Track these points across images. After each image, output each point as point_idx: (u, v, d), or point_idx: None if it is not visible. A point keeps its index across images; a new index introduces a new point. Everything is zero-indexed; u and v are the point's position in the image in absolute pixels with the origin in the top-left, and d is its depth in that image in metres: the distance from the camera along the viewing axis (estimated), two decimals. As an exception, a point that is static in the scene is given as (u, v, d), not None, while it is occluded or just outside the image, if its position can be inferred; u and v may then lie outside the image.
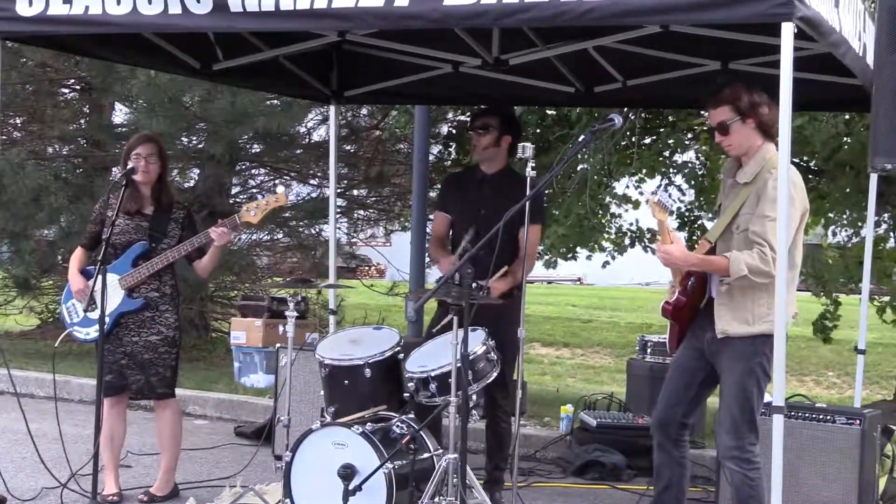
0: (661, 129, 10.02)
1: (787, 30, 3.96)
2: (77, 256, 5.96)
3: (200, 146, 11.53)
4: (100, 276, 5.41)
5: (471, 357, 4.98)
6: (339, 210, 10.20)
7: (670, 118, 9.82)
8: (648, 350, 8.04)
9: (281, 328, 6.06)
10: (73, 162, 12.48)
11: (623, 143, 9.87)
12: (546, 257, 10.72)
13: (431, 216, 7.55)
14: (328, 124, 10.10)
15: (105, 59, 7.52)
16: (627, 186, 10.88)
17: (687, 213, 10.50)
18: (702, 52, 6.14)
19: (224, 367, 10.51)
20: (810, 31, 4.18)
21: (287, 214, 11.95)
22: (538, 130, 9.71)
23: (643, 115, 9.66)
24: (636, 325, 17.01)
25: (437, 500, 4.88)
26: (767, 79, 4.56)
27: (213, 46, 6.34)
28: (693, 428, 5.41)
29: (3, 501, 5.54)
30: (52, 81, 12.47)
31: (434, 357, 5.30)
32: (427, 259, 8.72)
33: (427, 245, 8.21)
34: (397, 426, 5.17)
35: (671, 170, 10.38)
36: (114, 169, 11.21)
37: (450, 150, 11.34)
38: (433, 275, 8.31)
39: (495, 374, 5.35)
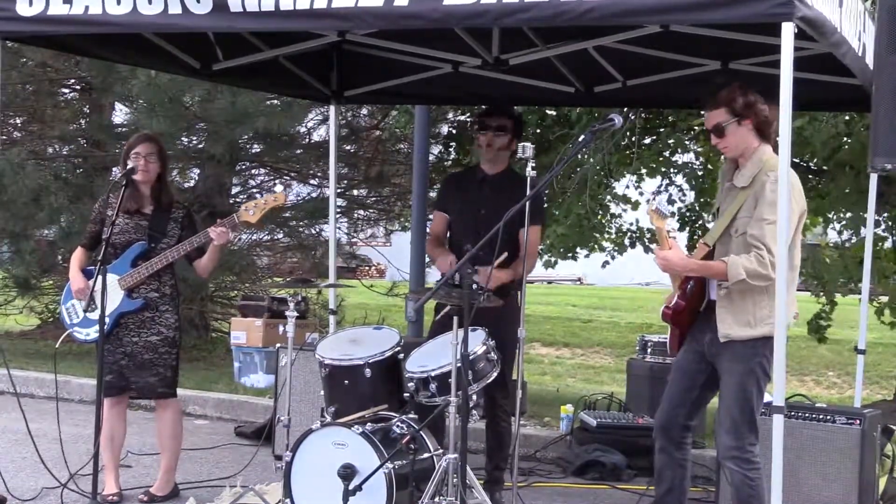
0: (661, 129, 10.03)
1: (788, 30, 3.96)
2: (77, 256, 5.96)
3: (200, 146, 11.53)
4: (100, 277, 5.41)
5: (471, 357, 4.98)
6: (339, 210, 10.20)
7: (670, 118, 9.82)
8: (648, 350, 8.04)
9: (281, 328, 6.06)
10: (73, 162, 12.48)
11: (623, 143, 9.87)
12: (546, 257, 10.72)
13: (431, 216, 7.55)
14: (328, 124, 10.10)
15: (105, 59, 7.52)
16: (627, 187, 10.89)
17: (688, 214, 10.50)
18: (702, 51, 6.14)
19: (224, 367, 10.51)
20: (811, 31, 4.17)
21: (287, 214, 11.95)
22: (538, 130, 9.72)
23: (643, 115, 9.66)
24: (636, 325, 17.01)
25: (437, 500, 4.88)
26: (767, 79, 4.56)
27: (213, 46, 6.34)
28: (694, 429, 5.41)
29: (4, 501, 5.54)
30: (53, 81, 12.48)
31: (434, 357, 5.30)
32: (427, 259, 8.73)
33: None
34: (397, 426, 5.17)
35: (672, 170, 10.38)
36: (114, 169, 11.21)
37: (450, 150, 11.35)
38: (433, 275, 8.31)
39: (495, 374, 5.35)
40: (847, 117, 8.06)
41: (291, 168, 12.91)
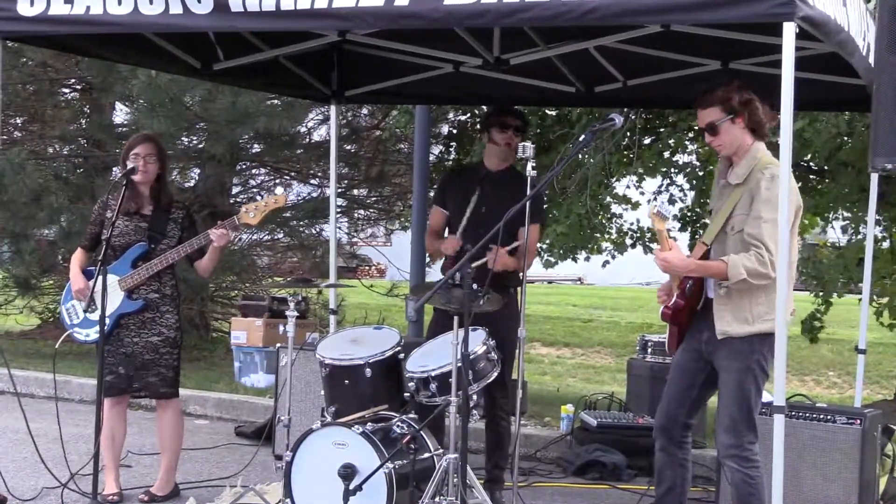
0: (662, 129, 10.02)
1: (789, 29, 3.96)
2: (77, 257, 5.96)
3: (201, 146, 11.53)
4: (100, 277, 5.41)
5: (471, 357, 4.99)
6: (339, 210, 10.21)
7: (671, 118, 9.82)
8: (649, 350, 8.04)
9: (281, 328, 6.04)
10: (73, 162, 12.49)
11: (623, 143, 9.87)
12: (546, 257, 10.71)
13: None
14: (329, 124, 10.10)
15: (106, 59, 7.52)
16: (628, 187, 10.89)
17: (689, 214, 10.49)
18: (703, 51, 6.14)
19: (224, 367, 10.51)
20: (813, 31, 4.17)
21: (287, 214, 11.95)
22: (538, 130, 9.71)
23: (643, 115, 9.65)
24: (637, 324, 17.02)
25: (437, 499, 4.88)
26: (768, 79, 4.56)
27: (213, 46, 6.34)
28: (694, 428, 5.41)
29: (4, 501, 5.54)
30: (53, 81, 12.48)
31: (434, 357, 5.30)
32: (427, 259, 8.73)
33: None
34: (398, 426, 5.17)
35: (672, 170, 10.38)
36: (114, 169, 11.21)
37: (450, 150, 11.34)
38: (433, 275, 8.31)
39: (496, 374, 5.35)
40: (847, 116, 8.05)
41: (292, 168, 12.92)
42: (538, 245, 7.40)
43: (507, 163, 6.04)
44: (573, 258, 11.02)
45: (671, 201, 10.67)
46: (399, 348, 5.45)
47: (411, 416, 5.27)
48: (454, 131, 11.49)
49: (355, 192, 13.15)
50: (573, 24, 4.20)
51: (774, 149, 4.37)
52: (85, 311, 5.77)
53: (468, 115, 11.31)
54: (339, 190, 10.55)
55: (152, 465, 6.52)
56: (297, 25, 4.92)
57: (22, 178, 10.29)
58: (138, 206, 5.85)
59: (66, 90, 13.20)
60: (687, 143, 10.01)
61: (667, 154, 10.23)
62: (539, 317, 17.30)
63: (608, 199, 10.65)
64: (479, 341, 5.26)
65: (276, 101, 10.62)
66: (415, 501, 5.00)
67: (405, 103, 9.69)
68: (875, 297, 9.04)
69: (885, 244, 9.20)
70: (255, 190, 12.88)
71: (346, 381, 5.37)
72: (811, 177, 9.51)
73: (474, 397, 5.07)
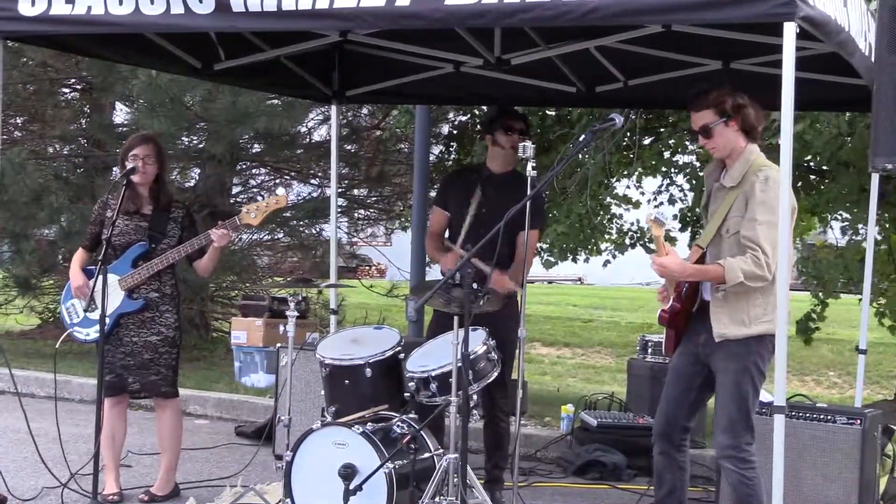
0: (662, 129, 10.02)
1: (790, 29, 3.96)
2: (78, 258, 5.96)
3: (201, 146, 11.53)
4: (100, 277, 5.42)
5: (471, 357, 4.99)
6: (339, 210, 10.20)
7: (670, 118, 9.82)
8: (649, 350, 8.04)
9: (281, 328, 6.04)
10: (73, 162, 12.49)
11: (624, 143, 9.86)
12: (546, 257, 10.71)
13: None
14: (329, 124, 10.10)
15: (106, 59, 7.51)
16: (628, 187, 10.88)
17: (689, 215, 10.50)
18: (703, 51, 6.14)
19: (224, 367, 10.51)
20: (814, 31, 4.17)
21: (288, 214, 11.95)
22: (538, 130, 9.71)
23: (643, 115, 9.65)
24: (637, 324, 17.01)
25: (437, 499, 4.89)
26: (769, 78, 4.56)
27: (214, 46, 6.34)
28: (693, 429, 5.41)
29: (4, 501, 5.54)
30: (53, 81, 12.48)
31: (435, 357, 5.30)
32: (427, 259, 8.72)
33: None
34: (398, 426, 5.17)
35: (672, 170, 10.37)
36: (114, 169, 11.21)
37: (451, 150, 11.34)
38: (434, 274, 8.31)
39: (496, 374, 5.35)
40: (848, 116, 8.05)
41: (292, 168, 12.91)
42: (538, 245, 7.40)
43: (510, 166, 6.04)
44: (573, 259, 11.02)
45: (671, 201, 10.68)
46: (399, 348, 5.45)
47: (411, 416, 5.27)
48: (454, 131, 11.49)
49: (355, 192, 13.15)
50: (574, 24, 4.20)
51: (775, 150, 4.36)
52: (85, 311, 5.77)
53: (468, 115, 11.31)
54: (340, 190, 10.54)
55: (152, 465, 6.52)
56: (299, 25, 4.92)
57: (22, 178, 10.29)
58: (137, 206, 5.85)
59: (67, 90, 13.20)
60: (687, 143, 10.01)
61: (667, 154, 10.23)
62: (539, 317, 17.29)
63: (608, 199, 10.65)
64: (479, 341, 5.26)
65: (276, 101, 10.62)
66: (415, 501, 5.00)
67: (406, 103, 9.69)
68: (875, 300, 9.04)
69: (884, 246, 9.19)
70: (255, 190, 12.88)
71: (347, 381, 5.37)
72: (811, 177, 9.50)
73: (475, 397, 5.07)
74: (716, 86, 4.86)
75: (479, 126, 10.81)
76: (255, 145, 12.02)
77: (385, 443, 5.00)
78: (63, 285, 6.16)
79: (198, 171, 12.64)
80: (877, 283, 8.79)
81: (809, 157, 8.86)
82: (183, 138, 11.38)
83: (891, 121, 4.63)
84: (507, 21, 4.26)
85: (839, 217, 9.55)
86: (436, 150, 11.04)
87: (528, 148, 5.28)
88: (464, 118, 11.48)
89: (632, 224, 11.06)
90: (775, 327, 4.62)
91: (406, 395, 5.34)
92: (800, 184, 9.20)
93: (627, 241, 11.01)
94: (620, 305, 20.63)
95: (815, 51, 5.05)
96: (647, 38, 5.80)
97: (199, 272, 6.02)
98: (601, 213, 10.52)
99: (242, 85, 8.59)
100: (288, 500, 5.17)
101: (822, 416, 5.52)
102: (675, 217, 10.49)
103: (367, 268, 18.59)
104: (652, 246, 10.36)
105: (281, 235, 12.85)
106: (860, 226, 8.67)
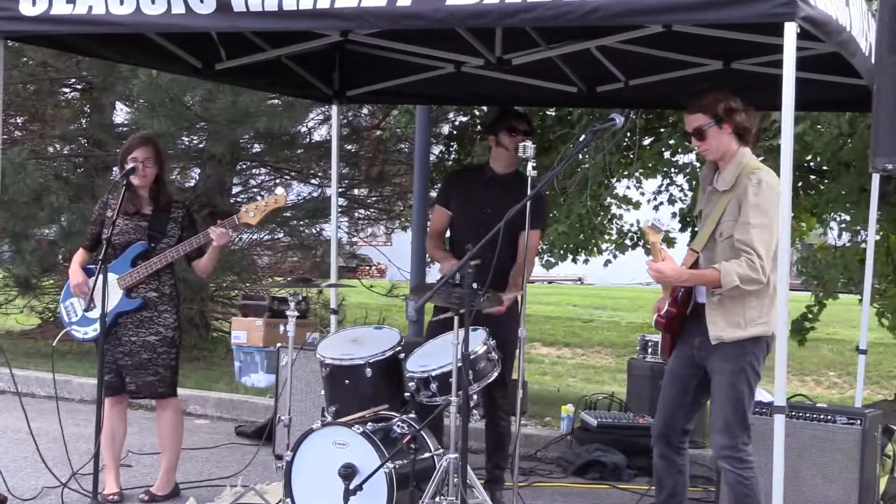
0: (662, 130, 10.02)
1: (791, 30, 3.96)
2: (78, 257, 5.97)
3: (201, 146, 11.53)
4: (100, 276, 5.42)
5: (472, 357, 4.99)
6: (339, 209, 10.20)
7: (671, 118, 9.82)
8: (649, 350, 8.05)
9: (282, 328, 6.04)
10: (73, 161, 12.49)
11: (624, 144, 9.86)
12: (546, 258, 10.71)
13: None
14: (329, 124, 10.10)
15: (107, 58, 7.51)
16: (628, 187, 10.88)
17: (689, 214, 10.49)
18: (704, 51, 6.14)
19: (225, 367, 10.51)
20: (815, 31, 4.17)
21: (288, 214, 11.96)
22: (539, 130, 9.71)
23: (644, 115, 9.65)
24: (637, 324, 17.00)
25: (437, 499, 4.89)
26: (770, 78, 4.56)
27: (215, 46, 6.33)
28: (692, 432, 5.41)
29: (4, 501, 5.55)
30: (54, 81, 12.47)
31: (435, 357, 5.29)
32: (428, 259, 8.72)
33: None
34: (398, 426, 5.17)
35: (672, 170, 10.37)
36: (114, 169, 11.21)
37: (451, 150, 11.34)
38: (434, 274, 8.31)
39: (496, 374, 5.35)
40: (848, 115, 8.05)
41: (292, 168, 12.91)
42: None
43: (514, 167, 6.04)
44: (573, 259, 11.02)
45: (671, 201, 10.68)
46: (399, 348, 5.45)
47: (411, 415, 5.27)
48: (455, 131, 11.49)
49: (356, 191, 13.15)
50: (575, 24, 4.20)
51: (776, 151, 4.36)
52: (84, 310, 5.77)
53: (469, 115, 11.31)
54: (340, 190, 10.53)
55: (152, 465, 6.52)
56: (300, 25, 4.92)
57: (22, 178, 10.29)
58: (137, 206, 5.85)
59: (67, 90, 13.20)
60: (687, 143, 10.00)
61: (667, 154, 10.22)
62: (539, 317, 17.29)
63: (608, 199, 10.64)
64: (479, 341, 5.26)
65: (276, 101, 10.62)
66: (415, 501, 5.00)
67: (406, 103, 9.70)
68: (875, 300, 9.04)
69: (884, 245, 9.18)
70: (255, 190, 12.87)
71: (347, 381, 5.37)
72: (811, 177, 9.50)
73: (475, 397, 5.07)
74: (714, 87, 4.86)
75: (479, 126, 10.82)
76: (256, 145, 12.02)
77: (385, 443, 5.00)
78: (63, 285, 6.17)
79: (198, 171, 12.64)
80: (876, 283, 8.80)
81: (810, 158, 8.86)
82: (183, 138, 11.38)
83: (891, 121, 4.63)
84: (509, 21, 4.26)
85: (837, 217, 9.55)
86: (436, 150, 11.04)
87: (528, 148, 5.28)
88: (464, 118, 11.48)
89: (632, 224, 11.06)
90: (771, 329, 4.66)
91: (406, 395, 5.34)
92: (800, 184, 9.20)
93: (628, 242, 11.01)
94: (620, 305, 20.63)
95: (816, 51, 5.05)
96: (648, 38, 5.80)
97: (198, 273, 6.02)
98: (601, 213, 10.52)
99: (243, 85, 8.59)
100: (288, 499, 5.17)
101: (822, 417, 5.52)
102: (674, 216, 10.49)
103: (368, 268, 18.60)
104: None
105: (281, 235, 12.85)
106: (859, 227, 8.67)
